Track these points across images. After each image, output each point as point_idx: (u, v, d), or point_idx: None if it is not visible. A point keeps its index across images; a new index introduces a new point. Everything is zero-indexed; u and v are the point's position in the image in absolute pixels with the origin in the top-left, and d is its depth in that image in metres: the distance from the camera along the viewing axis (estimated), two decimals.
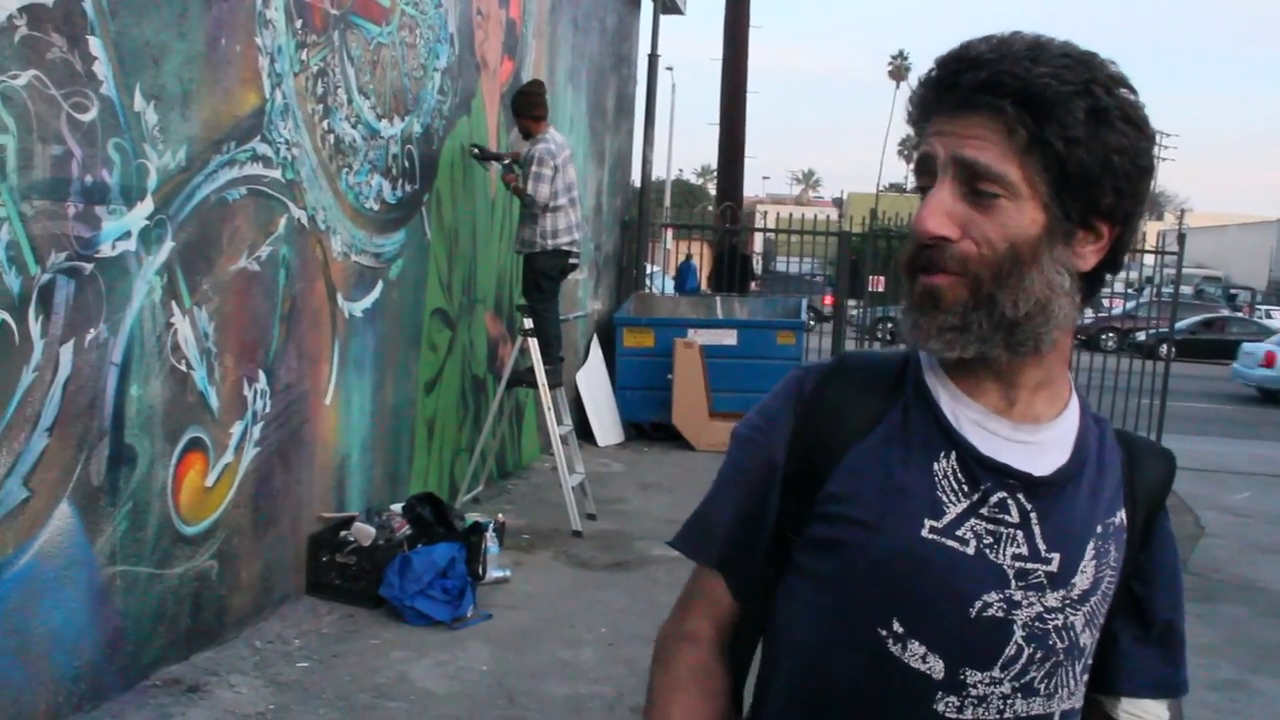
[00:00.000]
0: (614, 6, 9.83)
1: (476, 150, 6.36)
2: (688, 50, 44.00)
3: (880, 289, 12.45)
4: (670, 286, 14.28)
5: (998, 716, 1.13)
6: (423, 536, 4.96)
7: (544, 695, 4.05)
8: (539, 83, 6.59)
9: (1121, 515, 1.19)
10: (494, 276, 7.10)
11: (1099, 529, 1.16)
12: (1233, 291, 40.18)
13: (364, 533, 4.83)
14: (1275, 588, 6.05)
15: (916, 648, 1.12)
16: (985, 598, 1.11)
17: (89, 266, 3.37)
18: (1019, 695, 1.13)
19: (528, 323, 6.33)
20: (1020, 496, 1.13)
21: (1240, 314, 31.57)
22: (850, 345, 11.16)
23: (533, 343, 6.29)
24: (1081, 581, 1.14)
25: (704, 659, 1.25)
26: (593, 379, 9.21)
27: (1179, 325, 12.75)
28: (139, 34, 3.50)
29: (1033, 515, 1.13)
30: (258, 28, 4.13)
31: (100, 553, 3.52)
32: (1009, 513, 1.13)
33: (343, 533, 4.88)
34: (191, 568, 3.99)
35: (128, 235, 3.53)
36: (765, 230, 12.57)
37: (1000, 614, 1.12)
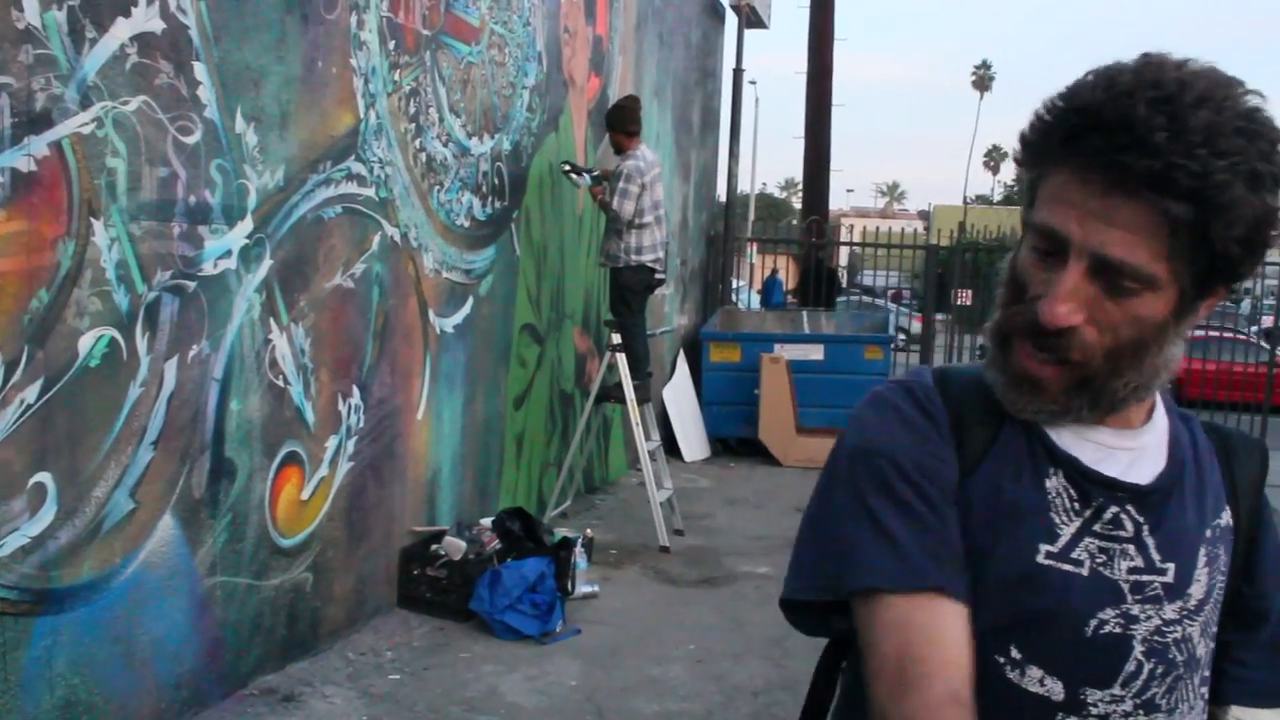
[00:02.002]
0: (698, 21, 9.84)
1: (568, 166, 6.40)
2: (771, 64, 43.92)
3: (968, 303, 12.25)
4: (756, 301, 14.23)
5: None
6: (512, 551, 4.99)
7: (633, 712, 4.04)
8: (634, 98, 6.60)
9: (1227, 516, 1.14)
10: (581, 292, 7.14)
11: (1208, 534, 1.12)
12: None
13: (455, 546, 4.87)
14: None
15: (1034, 672, 1.08)
16: (1101, 615, 1.08)
17: (192, 284, 3.46)
18: (1141, 712, 1.09)
19: (615, 338, 6.34)
20: (1130, 509, 1.09)
21: None
22: (938, 360, 10.98)
23: (621, 358, 6.30)
24: (1197, 591, 1.10)
25: None
26: (679, 394, 9.19)
27: None
28: (240, 58, 3.59)
29: (1144, 527, 1.09)
30: (352, 50, 4.22)
31: (201, 563, 3.60)
32: (1123, 527, 1.09)
33: (433, 546, 4.93)
34: (287, 579, 4.06)
35: (229, 254, 3.62)
36: (851, 244, 12.45)
37: (1118, 630, 1.08)
